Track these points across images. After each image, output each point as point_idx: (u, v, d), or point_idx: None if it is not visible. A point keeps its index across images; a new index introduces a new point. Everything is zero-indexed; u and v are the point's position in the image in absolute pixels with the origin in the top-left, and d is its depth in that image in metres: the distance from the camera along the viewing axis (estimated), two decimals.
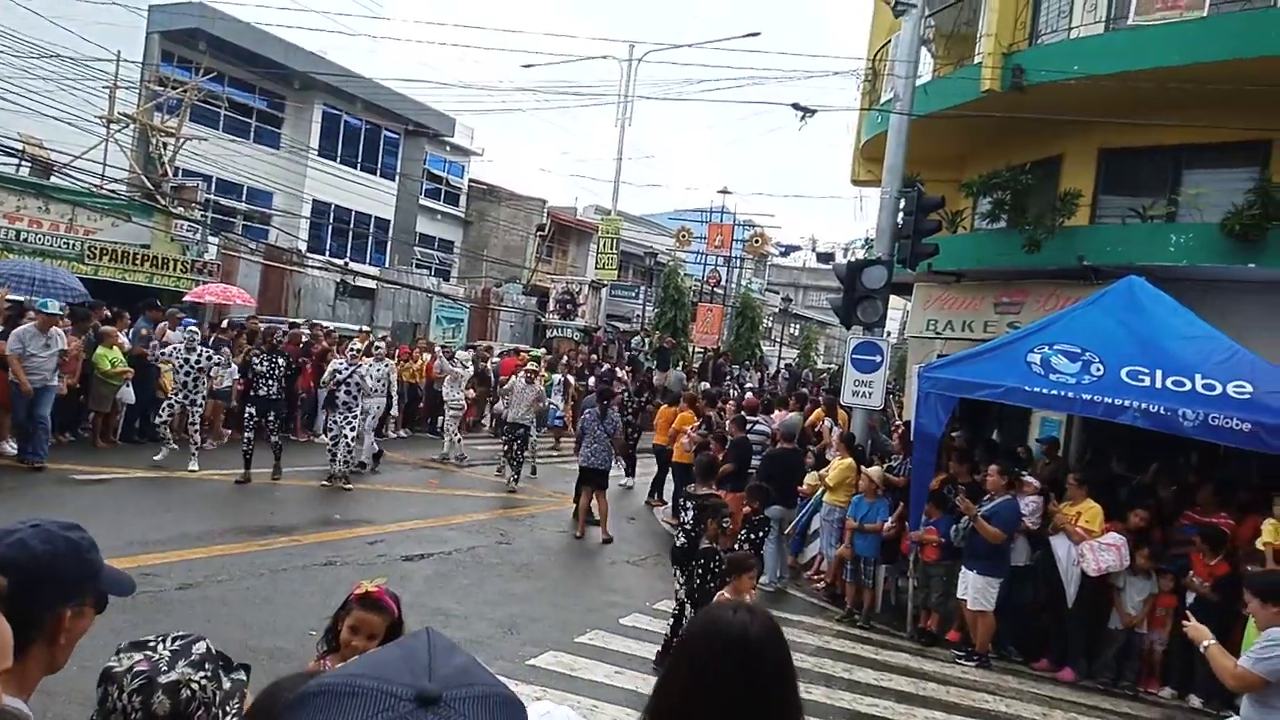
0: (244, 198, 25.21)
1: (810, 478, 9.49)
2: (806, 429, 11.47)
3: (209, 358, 11.15)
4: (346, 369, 11.22)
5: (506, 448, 12.64)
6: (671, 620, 6.72)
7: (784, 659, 1.68)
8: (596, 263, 28.70)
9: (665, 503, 12.87)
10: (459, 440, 14.68)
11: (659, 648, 6.69)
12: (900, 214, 10.43)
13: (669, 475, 12.83)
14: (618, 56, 25.61)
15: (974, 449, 9.54)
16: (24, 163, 18.13)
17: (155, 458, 10.98)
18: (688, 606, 6.49)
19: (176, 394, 11.00)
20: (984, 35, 11.46)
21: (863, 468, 8.78)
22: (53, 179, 18.29)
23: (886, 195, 10.66)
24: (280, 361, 11.40)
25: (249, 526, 8.97)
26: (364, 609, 2.75)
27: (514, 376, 13.58)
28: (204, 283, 18.06)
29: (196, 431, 11.08)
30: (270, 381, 11.17)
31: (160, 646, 1.61)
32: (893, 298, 12.14)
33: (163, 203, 19.18)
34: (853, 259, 12.52)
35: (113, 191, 19.06)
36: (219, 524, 8.90)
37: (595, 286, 28.73)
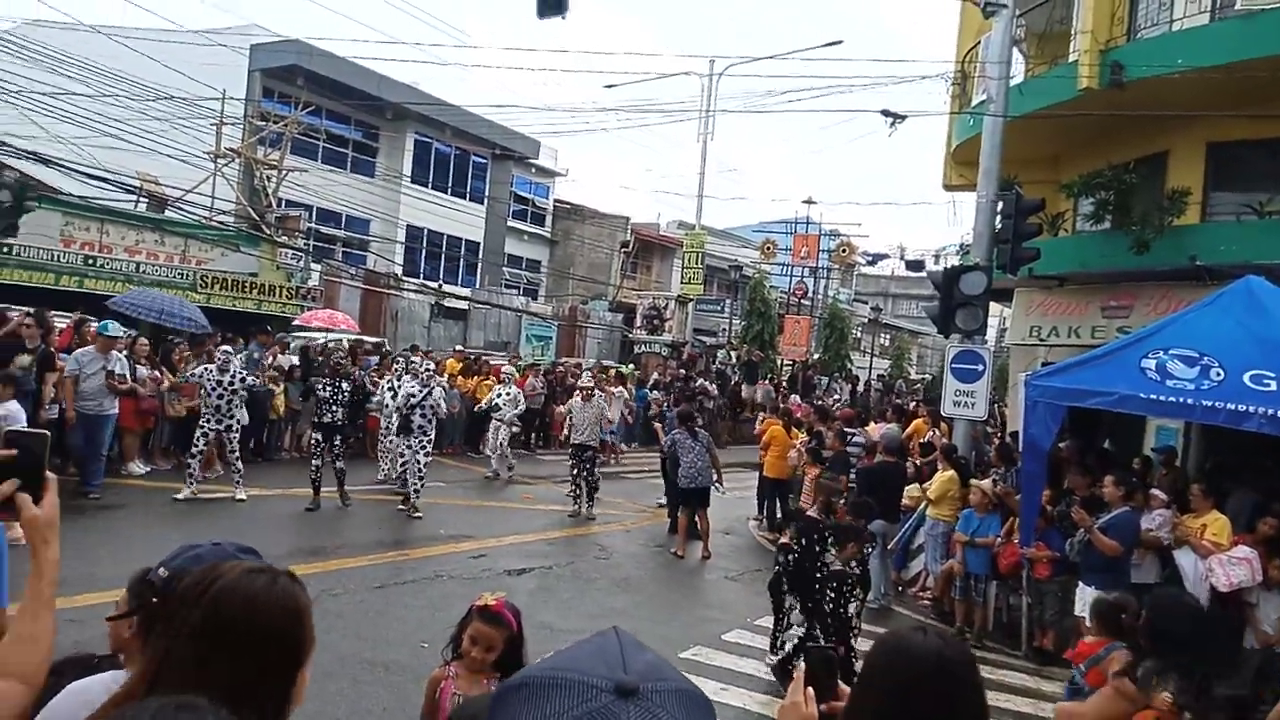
0: (343, 225, 26.24)
1: (911, 491, 9.27)
2: (911, 441, 11.21)
3: (243, 379, 10.73)
4: (421, 391, 10.88)
5: (574, 472, 12.01)
6: (796, 641, 6.29)
7: (979, 683, 1.63)
8: (682, 277, 28.77)
9: (762, 519, 12.75)
10: (507, 454, 14.56)
11: (773, 664, 6.56)
12: (998, 218, 10.15)
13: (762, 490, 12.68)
14: (699, 72, 25.69)
15: (1084, 460, 9.17)
16: (141, 198, 19.32)
17: (178, 497, 10.03)
18: (818, 629, 6.05)
19: (208, 419, 10.39)
20: (1079, 32, 11.10)
21: (974, 480, 8.53)
22: (167, 213, 19.44)
23: (983, 199, 10.39)
24: (345, 386, 10.97)
25: (358, 541, 9.29)
26: (483, 621, 2.82)
27: (571, 396, 13.28)
28: (309, 308, 18.84)
29: (236, 458, 10.72)
30: (334, 407, 10.79)
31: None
32: (990, 304, 11.81)
33: (268, 232, 20.14)
34: (947, 266, 12.21)
35: (221, 223, 20.12)
36: (330, 540, 9.23)
37: (681, 301, 28.78)
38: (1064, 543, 7.66)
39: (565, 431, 12.73)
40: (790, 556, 6.38)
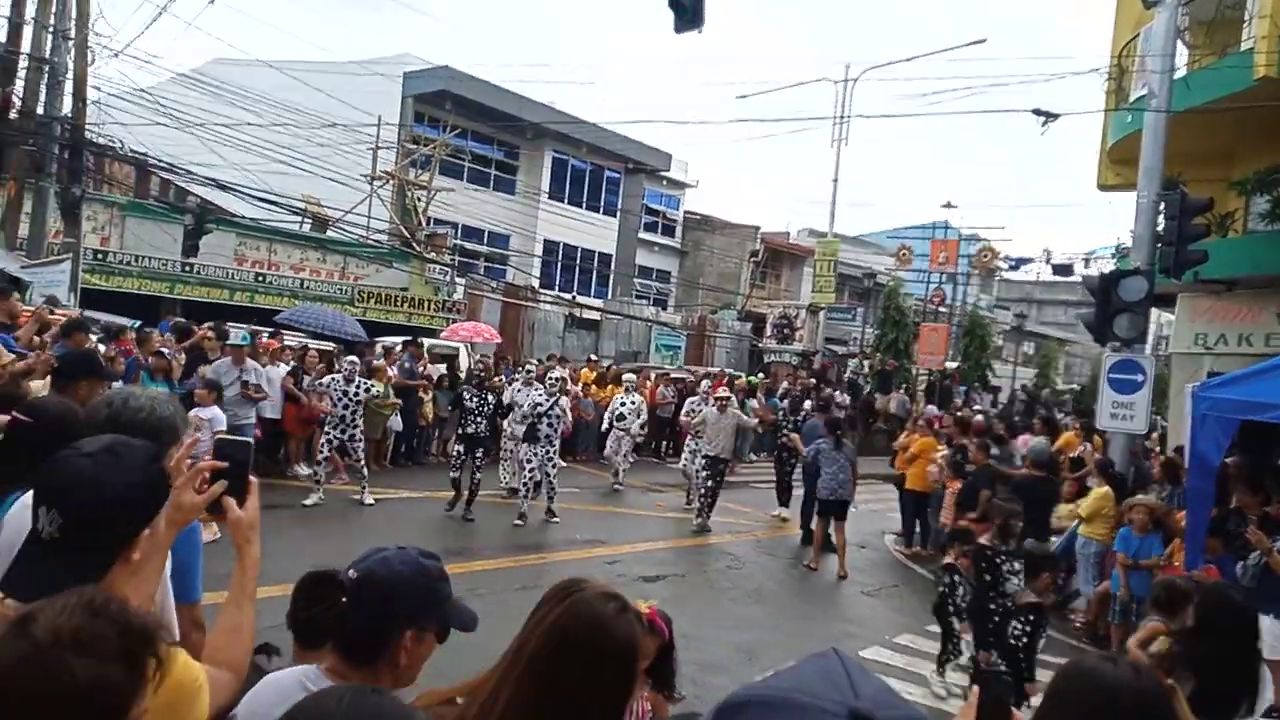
0: (485, 241, 27.36)
1: (1062, 510, 8.84)
2: (1060, 456, 10.68)
3: (368, 389, 10.85)
4: (547, 400, 10.74)
5: (707, 484, 11.54)
6: (970, 674, 6.29)
7: (1176, 715, 1.59)
8: (813, 285, 28.40)
9: (901, 534, 12.42)
10: (624, 465, 14.26)
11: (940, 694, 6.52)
12: (1160, 218, 9.58)
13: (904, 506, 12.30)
14: (833, 78, 25.34)
15: (1261, 478, 8.50)
16: (305, 219, 20.83)
17: (306, 503, 10.26)
18: (995, 655, 5.90)
19: (334, 428, 10.54)
20: (1256, 17, 10.34)
21: (1140, 496, 8.07)
22: (328, 232, 20.87)
23: (1143, 199, 9.82)
24: (490, 399, 11.03)
25: (496, 545, 9.66)
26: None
27: (706, 406, 12.65)
28: (454, 320, 19.76)
29: (363, 465, 10.80)
30: (479, 419, 10.85)
31: None
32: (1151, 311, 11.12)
33: (418, 249, 21.27)
34: (1100, 270, 11.59)
35: (377, 241, 21.41)
36: (470, 542, 9.63)
37: (812, 310, 28.41)
38: (1235, 567, 7.13)
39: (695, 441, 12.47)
40: (961, 584, 6.23)
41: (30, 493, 1.90)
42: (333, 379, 10.78)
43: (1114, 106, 13.05)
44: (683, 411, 14.02)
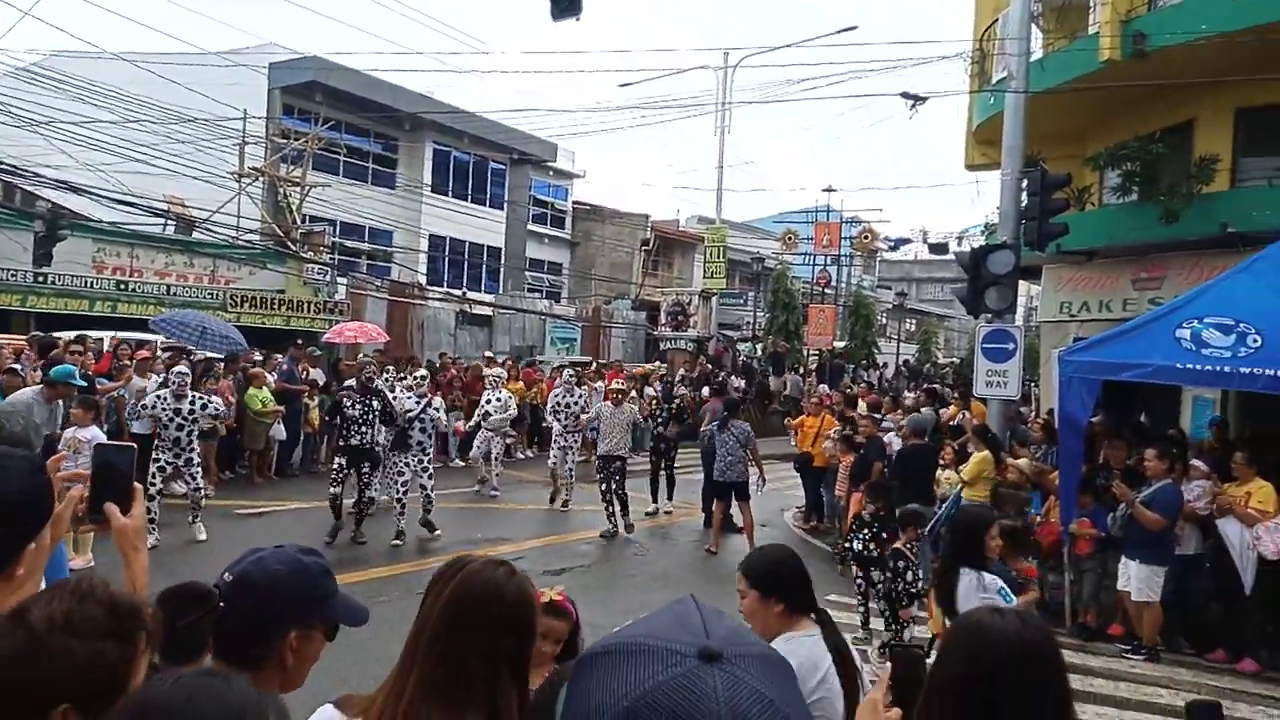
0: (366, 238, 26.50)
1: (948, 476, 9.21)
2: (943, 424, 11.12)
3: (203, 406, 9.25)
4: (419, 404, 9.96)
5: (604, 485, 10.75)
6: (884, 620, 6.71)
7: (1062, 664, 1.61)
8: (704, 272, 28.74)
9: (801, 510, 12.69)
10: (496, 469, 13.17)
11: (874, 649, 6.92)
12: (1023, 195, 10.07)
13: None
14: (714, 65, 25.66)
15: (1122, 434, 9.08)
16: (169, 221, 19.66)
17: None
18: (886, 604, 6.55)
19: (165, 450, 8.89)
20: (1099, 4, 10.98)
21: (1010, 459, 8.48)
22: (195, 234, 19.77)
23: (1007, 177, 10.31)
24: (375, 405, 9.55)
25: (396, 551, 9.37)
26: (550, 616, 2.88)
27: (582, 398, 12.31)
28: (336, 322, 19.05)
29: (199, 493, 9.23)
30: (363, 428, 9.45)
31: None
32: (1019, 282, 11.70)
33: (293, 249, 20.40)
34: (973, 246, 12.12)
35: (248, 242, 20.41)
36: (363, 550, 9.28)
37: (705, 296, 28.76)
38: (1106, 519, 7.60)
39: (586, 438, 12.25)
40: (909, 569, 6.38)
41: None
42: (158, 397, 9.07)
43: (977, 89, 13.65)
44: (548, 407, 13.03)
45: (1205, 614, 7.62)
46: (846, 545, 7.87)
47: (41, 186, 16.58)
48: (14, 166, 15.25)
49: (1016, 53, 10.35)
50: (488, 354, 20.04)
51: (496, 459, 13.06)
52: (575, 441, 12.09)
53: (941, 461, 9.17)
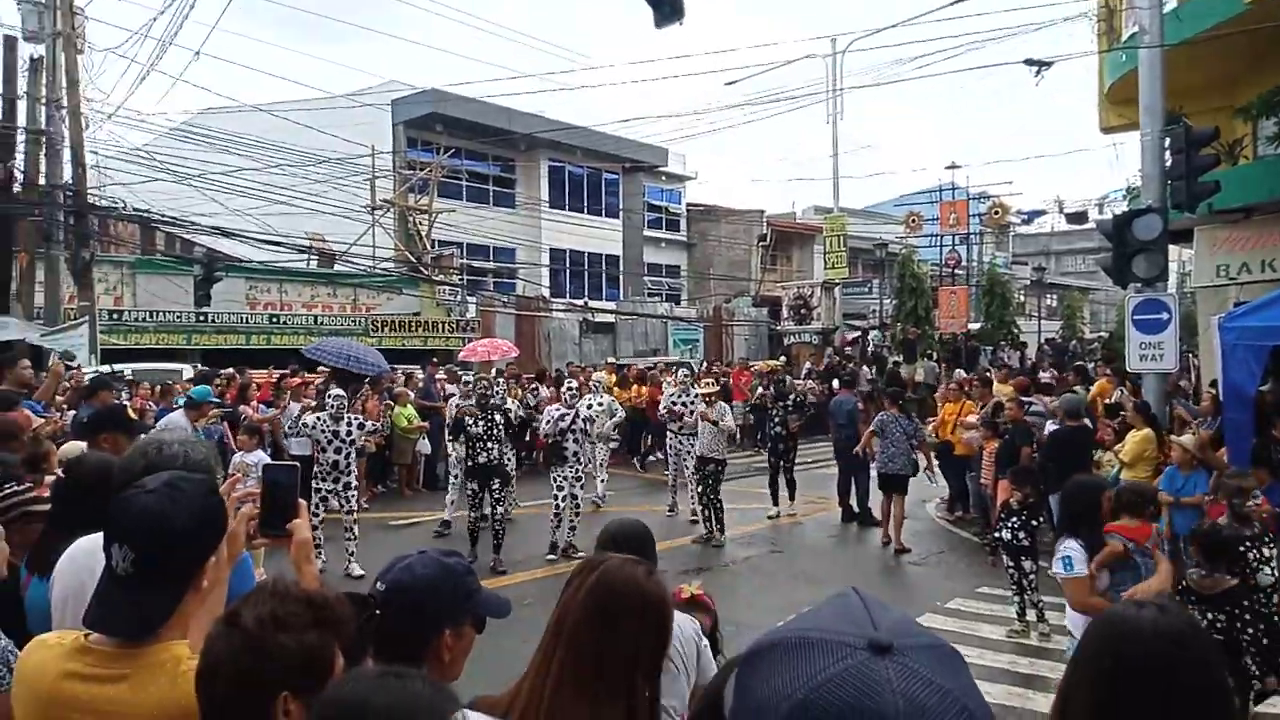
0: (491, 257, 27.43)
1: (1105, 457, 8.71)
2: (1092, 403, 10.51)
3: (360, 426, 9.11)
4: (569, 415, 9.62)
5: (699, 488, 10.46)
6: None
7: (1206, 652, 1.57)
8: (825, 263, 28.23)
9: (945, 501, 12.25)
10: (602, 477, 12.83)
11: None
12: (1167, 154, 9.42)
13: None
14: (821, 53, 25.20)
15: None
16: (312, 256, 20.98)
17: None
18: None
19: (324, 479, 8.76)
20: None
21: (1173, 437, 7.94)
22: (336, 267, 21.01)
23: (1147, 138, 9.66)
24: (498, 419, 9.30)
25: (539, 554, 9.52)
26: (691, 609, 2.95)
27: (675, 400, 11.61)
28: (469, 340, 19.79)
29: (354, 523, 9.01)
30: (489, 444, 9.16)
31: None
32: (1169, 248, 10.93)
33: (426, 273, 21.37)
34: (1115, 213, 11.42)
35: (384, 270, 21.52)
36: (514, 554, 9.52)
37: (827, 287, 28.24)
38: None
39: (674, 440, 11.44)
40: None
41: (80, 540, 2.13)
42: (318, 419, 8.96)
43: (1106, 48, 12.85)
44: (661, 405, 12.46)
45: None
46: (995, 535, 7.55)
47: (198, 234, 18.02)
48: (174, 218, 16.62)
49: (1147, 5, 9.70)
50: (610, 360, 20.29)
51: (602, 465, 12.78)
52: (691, 445, 11.18)
53: (1101, 444, 8.67)
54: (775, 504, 11.66)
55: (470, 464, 9.32)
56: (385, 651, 1.78)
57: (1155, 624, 1.55)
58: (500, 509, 9.23)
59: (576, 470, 9.60)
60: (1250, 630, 4.37)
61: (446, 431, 11.27)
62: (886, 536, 10.25)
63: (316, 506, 8.48)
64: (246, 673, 1.37)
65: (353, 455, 9.04)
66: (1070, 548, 4.26)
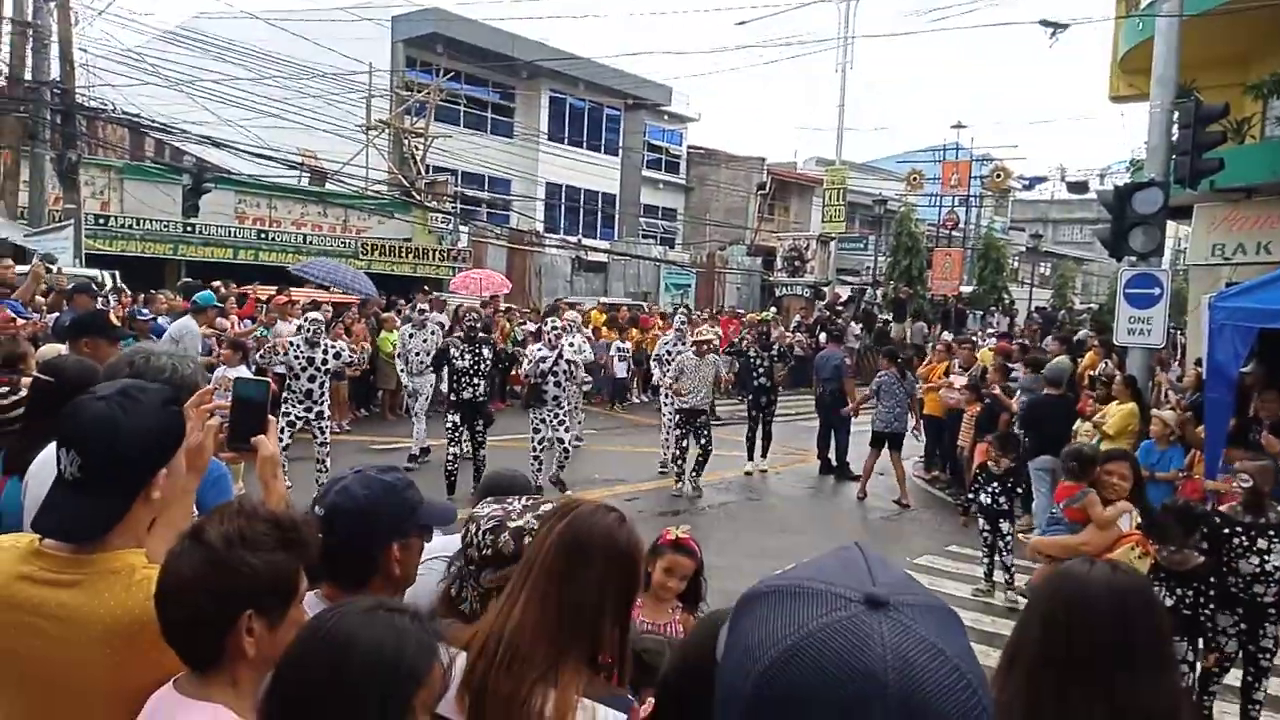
0: (486, 187, 27.07)
1: (1084, 428, 8.79)
2: (1080, 374, 10.57)
3: (336, 355, 8.56)
4: (551, 355, 9.25)
5: (684, 442, 10.02)
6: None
7: (1155, 606, 1.64)
8: (823, 216, 28.04)
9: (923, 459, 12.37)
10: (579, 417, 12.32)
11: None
12: (1175, 128, 9.32)
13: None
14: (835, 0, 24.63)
15: (1277, 385, 8.43)
16: (303, 174, 20.63)
17: None
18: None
19: (297, 404, 8.36)
20: None
21: (1154, 411, 8.02)
22: (327, 186, 20.68)
23: (1157, 109, 9.54)
24: (485, 353, 8.94)
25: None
26: (677, 553, 2.98)
27: (671, 349, 11.14)
28: (461, 269, 19.64)
29: (327, 454, 8.58)
30: (475, 380, 8.79)
31: (515, 503, 1.86)
32: (1167, 223, 10.89)
33: (419, 198, 21.07)
34: (1117, 184, 11.35)
35: (377, 193, 21.21)
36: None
37: (823, 241, 28.10)
38: None
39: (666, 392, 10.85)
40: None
41: (50, 447, 2.05)
42: (292, 343, 8.51)
43: (1124, 13, 12.62)
44: (658, 351, 12.22)
45: None
46: (971, 497, 7.64)
47: (187, 142, 17.65)
48: (164, 124, 16.25)
49: None
50: (602, 300, 20.19)
51: (576, 406, 12.05)
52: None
53: (1081, 414, 8.74)
54: (750, 458, 11.37)
55: (454, 398, 8.96)
56: (333, 574, 1.79)
57: (1108, 581, 1.61)
58: (482, 451, 8.93)
59: (557, 414, 9.19)
60: (1210, 608, 4.47)
61: (402, 360, 11.23)
62: (864, 491, 10.41)
63: (282, 431, 7.87)
64: (211, 589, 1.36)
65: (327, 383, 8.61)
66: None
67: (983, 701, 0.72)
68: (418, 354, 10.95)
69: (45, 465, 2.15)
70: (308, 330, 8.44)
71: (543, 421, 9.22)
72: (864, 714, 0.69)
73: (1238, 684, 4.84)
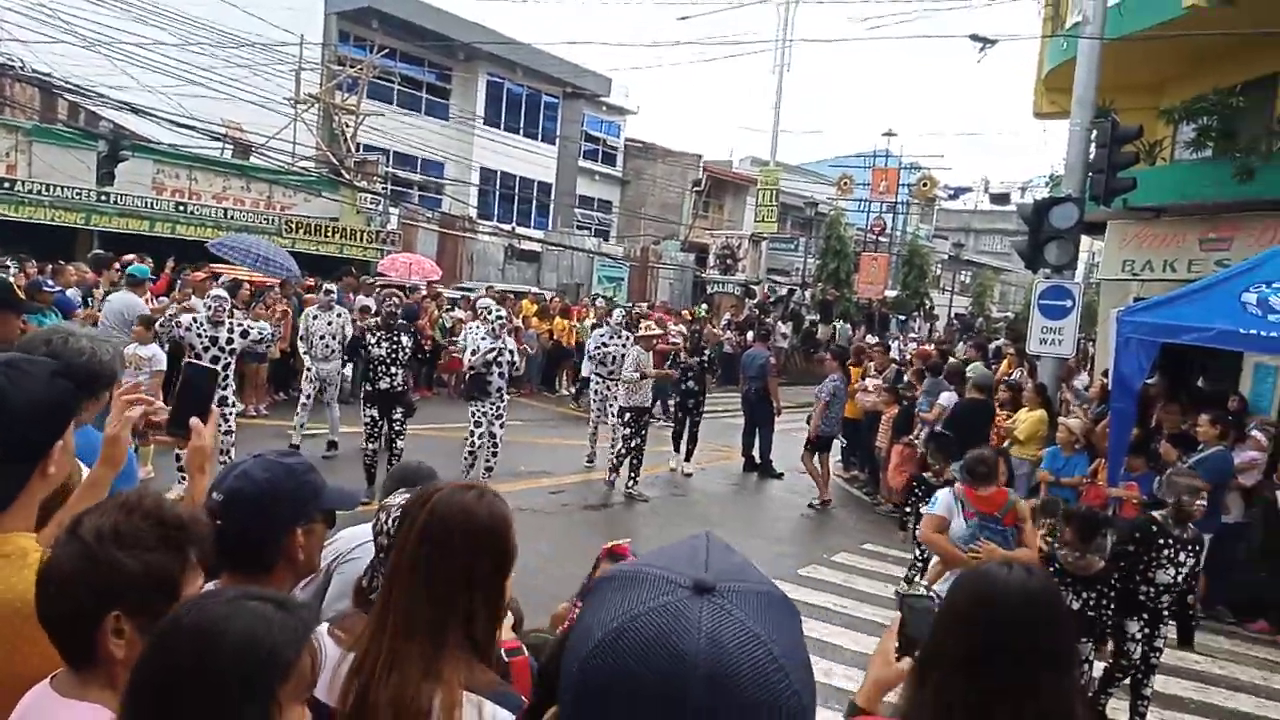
0: (418, 169, 26.55)
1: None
2: (995, 381, 10.94)
3: (244, 334, 7.89)
4: (495, 345, 8.81)
5: (631, 443, 9.67)
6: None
7: (1066, 616, 1.72)
8: (755, 215, 28.37)
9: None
10: None
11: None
12: (1092, 146, 9.71)
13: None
14: (776, 1, 24.91)
15: (1179, 398, 8.87)
16: (226, 146, 19.89)
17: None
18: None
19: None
20: None
21: (1061, 419, 8.36)
22: (251, 159, 19.98)
23: (1076, 127, 9.93)
24: (405, 341, 8.40)
25: (443, 478, 9.54)
26: (610, 562, 3.00)
27: (627, 344, 10.56)
28: (388, 252, 19.22)
29: (232, 439, 7.92)
30: (393, 369, 8.29)
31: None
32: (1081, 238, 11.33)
33: (348, 177, 20.54)
34: (1036, 198, 11.76)
35: (303, 169, 20.59)
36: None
37: (755, 240, 28.43)
38: (1154, 483, 7.47)
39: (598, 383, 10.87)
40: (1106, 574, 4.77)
41: None
42: (194, 320, 7.76)
43: (1050, 33, 13.07)
44: (589, 346, 11.81)
45: (1250, 582, 7.51)
46: (910, 511, 7.81)
47: (104, 107, 16.84)
48: (79, 86, 15.48)
49: None
50: (534, 290, 20.04)
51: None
52: (614, 392, 10.52)
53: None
54: (676, 451, 11.47)
55: (370, 388, 8.41)
56: (232, 559, 1.75)
57: (1024, 585, 1.67)
58: (400, 442, 8.37)
59: (498, 407, 8.87)
60: (1111, 611, 4.70)
61: (305, 344, 10.42)
62: (828, 497, 10.40)
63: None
64: (78, 585, 1.32)
65: (231, 366, 7.89)
66: (941, 494, 5.08)
67: (793, 686, 0.75)
68: (322, 337, 10.25)
69: None
70: (210, 308, 7.81)
71: (484, 414, 8.81)
72: (678, 694, 0.72)
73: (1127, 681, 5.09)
